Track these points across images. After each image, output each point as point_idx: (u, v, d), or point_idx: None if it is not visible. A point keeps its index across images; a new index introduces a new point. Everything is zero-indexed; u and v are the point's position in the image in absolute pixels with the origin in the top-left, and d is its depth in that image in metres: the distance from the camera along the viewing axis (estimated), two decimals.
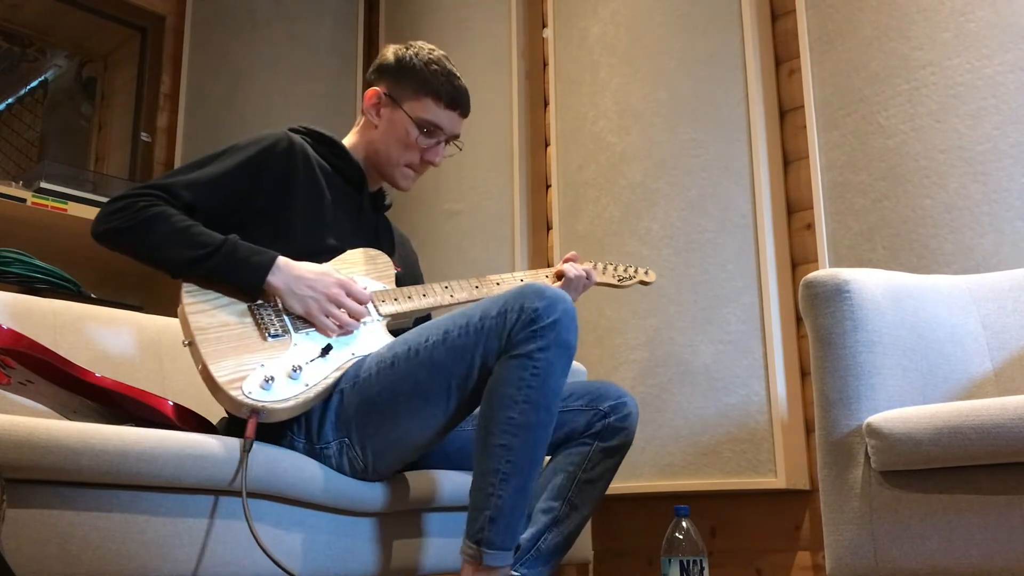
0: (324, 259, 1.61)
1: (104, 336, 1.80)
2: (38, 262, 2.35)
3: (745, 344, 2.21)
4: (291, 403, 1.40)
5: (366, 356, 1.51)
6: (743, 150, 2.31)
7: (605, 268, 1.90)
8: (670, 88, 2.48)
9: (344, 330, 1.51)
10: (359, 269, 1.63)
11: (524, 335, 1.36)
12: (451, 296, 1.65)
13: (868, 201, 2.09)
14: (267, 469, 1.35)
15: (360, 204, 1.74)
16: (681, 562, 1.63)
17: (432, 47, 1.75)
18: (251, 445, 1.32)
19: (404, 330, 1.62)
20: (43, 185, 2.48)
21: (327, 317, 1.49)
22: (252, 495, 1.36)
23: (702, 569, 1.64)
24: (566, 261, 1.83)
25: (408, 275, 1.81)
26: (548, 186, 2.79)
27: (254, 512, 1.36)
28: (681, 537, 1.65)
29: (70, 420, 1.35)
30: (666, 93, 2.48)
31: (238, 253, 1.48)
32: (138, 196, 1.49)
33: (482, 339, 1.40)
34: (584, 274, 1.79)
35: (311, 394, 1.42)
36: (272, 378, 1.39)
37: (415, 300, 1.63)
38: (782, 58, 2.39)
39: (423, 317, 1.81)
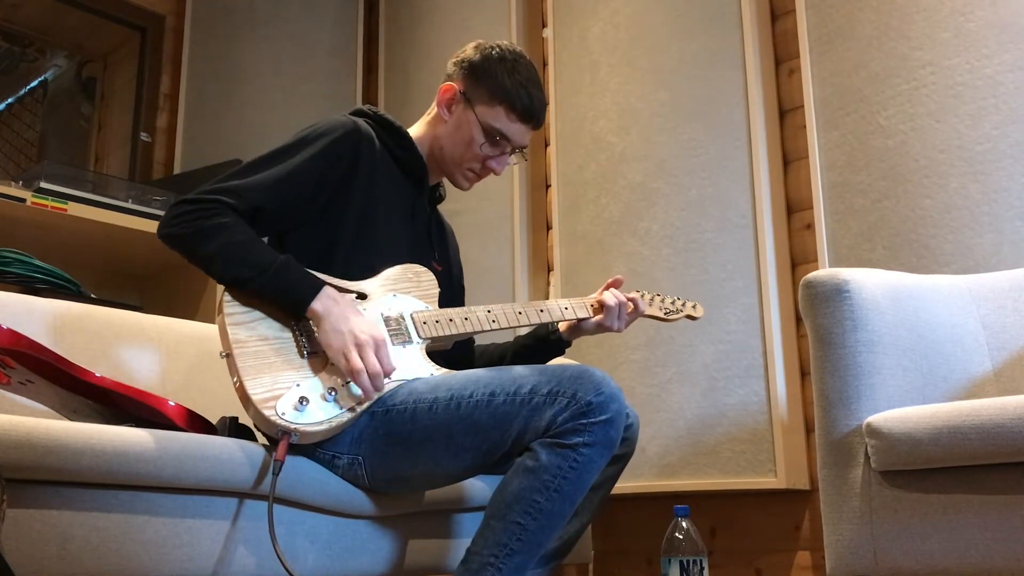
0: (373, 253, 1.57)
1: (104, 336, 1.80)
2: (38, 262, 2.34)
3: (745, 344, 2.21)
4: (324, 427, 1.38)
5: (404, 382, 1.48)
6: (743, 150, 2.31)
7: (652, 300, 1.82)
8: (670, 88, 2.48)
9: (353, 377, 1.41)
10: (402, 287, 1.59)
11: (573, 425, 1.33)
12: (493, 322, 1.60)
13: (868, 201, 2.09)
14: (287, 477, 1.35)
15: (416, 198, 1.69)
16: (681, 562, 1.63)
17: (520, 51, 1.68)
18: (280, 468, 1.32)
19: (440, 351, 1.59)
20: (43, 185, 2.47)
21: (340, 356, 1.41)
22: (256, 497, 1.36)
23: (702, 569, 1.64)
24: (609, 286, 1.75)
25: (447, 273, 1.76)
26: (548, 186, 2.79)
27: (255, 513, 1.36)
28: (681, 537, 1.65)
29: (70, 420, 1.35)
30: (666, 93, 2.49)
31: (289, 275, 1.44)
32: (203, 203, 1.45)
33: (525, 412, 1.36)
34: (628, 303, 1.74)
35: (344, 418, 1.41)
36: (306, 399, 1.38)
37: (457, 324, 1.57)
38: (782, 58, 2.39)
39: (465, 340, 1.78)
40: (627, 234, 2.50)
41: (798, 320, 2.22)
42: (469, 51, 1.68)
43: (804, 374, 2.20)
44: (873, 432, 1.37)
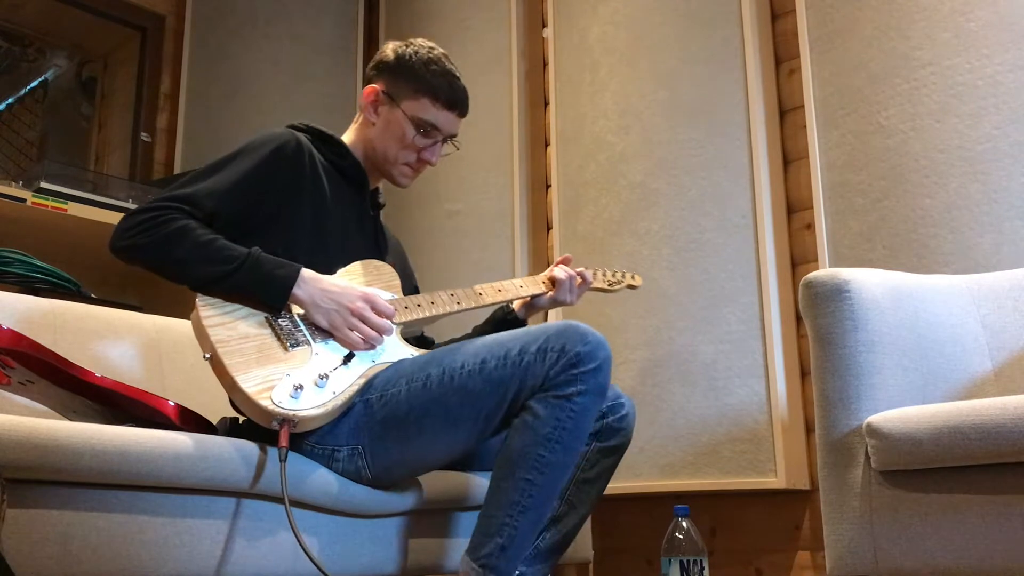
0: (329, 262, 1.60)
1: (104, 336, 1.80)
2: (38, 262, 2.34)
3: (745, 344, 2.21)
4: (320, 411, 1.40)
5: (391, 366, 1.51)
6: (743, 150, 2.31)
7: (595, 273, 1.93)
8: (670, 88, 2.48)
9: (368, 344, 1.50)
10: (362, 280, 1.62)
11: (565, 377, 1.37)
12: (457, 304, 1.66)
13: (868, 201, 2.09)
14: (280, 475, 1.35)
15: (361, 203, 1.74)
16: (681, 562, 1.63)
17: (432, 45, 1.74)
18: (286, 454, 1.33)
19: (413, 336, 1.62)
20: (43, 185, 2.47)
21: (351, 331, 1.48)
22: (257, 497, 1.36)
23: (702, 569, 1.64)
24: (559, 264, 1.84)
25: (401, 275, 1.79)
26: (548, 186, 2.79)
27: (255, 512, 1.36)
28: (681, 537, 1.65)
29: (70, 420, 1.35)
30: (666, 93, 2.49)
31: (262, 267, 1.46)
32: (158, 210, 1.47)
33: (518, 373, 1.40)
34: (577, 276, 1.83)
35: (339, 401, 1.43)
36: (300, 386, 1.39)
37: (424, 308, 1.62)
38: (782, 58, 2.39)
39: (426, 339, 1.84)
40: (627, 234, 2.50)
41: (798, 320, 2.22)
42: (386, 52, 1.74)
43: (804, 374, 2.20)
44: (873, 432, 1.37)
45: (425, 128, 1.69)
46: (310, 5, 3.33)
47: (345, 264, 1.64)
